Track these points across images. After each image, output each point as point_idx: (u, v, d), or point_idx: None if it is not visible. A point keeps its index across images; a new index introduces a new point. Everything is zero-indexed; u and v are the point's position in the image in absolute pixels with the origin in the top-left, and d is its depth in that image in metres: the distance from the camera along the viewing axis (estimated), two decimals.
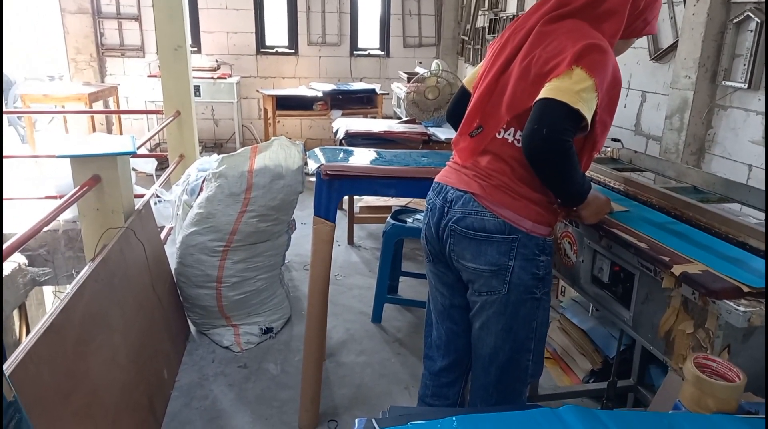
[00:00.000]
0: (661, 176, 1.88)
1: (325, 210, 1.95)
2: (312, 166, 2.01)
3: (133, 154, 2.26)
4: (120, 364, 1.90)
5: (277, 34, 6.14)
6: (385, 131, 3.80)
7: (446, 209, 1.46)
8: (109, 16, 5.71)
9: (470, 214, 1.41)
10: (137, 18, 5.74)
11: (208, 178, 2.58)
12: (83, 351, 1.62)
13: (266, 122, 5.84)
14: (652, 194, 1.59)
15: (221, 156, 2.58)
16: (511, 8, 4.78)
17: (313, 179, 1.95)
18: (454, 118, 1.70)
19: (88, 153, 2.12)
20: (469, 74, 1.69)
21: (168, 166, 4.13)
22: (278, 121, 5.53)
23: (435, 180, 1.57)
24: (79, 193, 2.08)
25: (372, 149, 2.37)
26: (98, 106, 5.63)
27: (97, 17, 5.69)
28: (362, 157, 2.16)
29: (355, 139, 3.77)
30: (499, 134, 1.41)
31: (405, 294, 3.17)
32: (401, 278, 3.20)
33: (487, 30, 5.19)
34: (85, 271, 1.77)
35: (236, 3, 5.87)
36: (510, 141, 1.39)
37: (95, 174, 2.19)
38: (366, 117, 5.80)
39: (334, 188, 1.91)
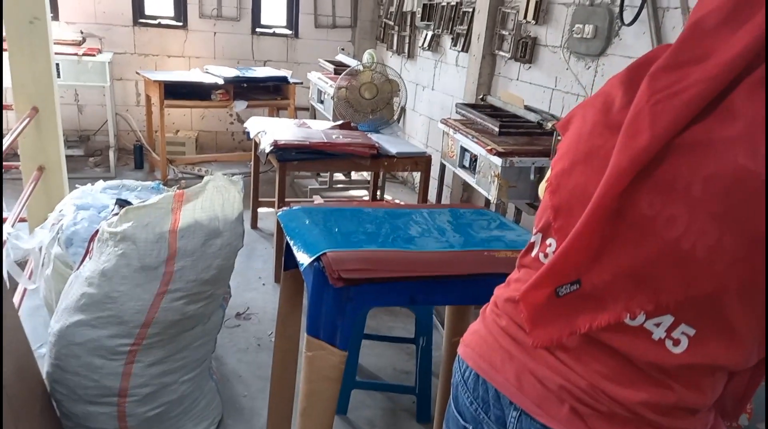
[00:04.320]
0: None
1: (329, 329, 1.20)
2: (301, 256, 1.24)
3: None
4: None
5: (160, 1, 4.99)
6: (324, 143, 3.03)
7: None
8: None
9: None
10: None
11: (102, 238, 1.68)
12: None
13: (149, 112, 4.74)
14: None
15: (124, 207, 1.69)
16: None
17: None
18: None
19: None
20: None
21: (21, 181, 3.02)
22: (166, 113, 4.47)
23: (465, 358, 0.87)
24: None
25: (358, 204, 1.65)
26: None
27: None
28: (364, 226, 1.42)
29: (287, 152, 2.97)
30: (634, 320, 0.72)
31: (368, 363, 2.48)
32: (363, 342, 2.51)
33: (420, 16, 4.53)
34: None
35: None
36: (659, 339, 0.71)
37: None
38: (275, 110, 4.94)
39: (349, 298, 1.17)
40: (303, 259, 1.24)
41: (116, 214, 1.77)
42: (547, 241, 0.80)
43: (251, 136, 3.40)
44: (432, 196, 3.80)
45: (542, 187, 0.90)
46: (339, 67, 4.17)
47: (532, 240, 0.84)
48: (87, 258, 1.77)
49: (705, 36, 0.69)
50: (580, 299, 0.73)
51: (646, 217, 0.68)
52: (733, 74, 0.66)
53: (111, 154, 4.61)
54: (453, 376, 0.91)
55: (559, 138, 0.86)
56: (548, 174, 0.84)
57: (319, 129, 3.34)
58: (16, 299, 2.34)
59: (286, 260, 1.57)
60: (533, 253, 0.83)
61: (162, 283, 1.65)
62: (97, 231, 1.75)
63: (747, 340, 0.69)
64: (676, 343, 0.70)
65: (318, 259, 1.21)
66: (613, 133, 0.73)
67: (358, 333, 2.36)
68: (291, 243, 1.32)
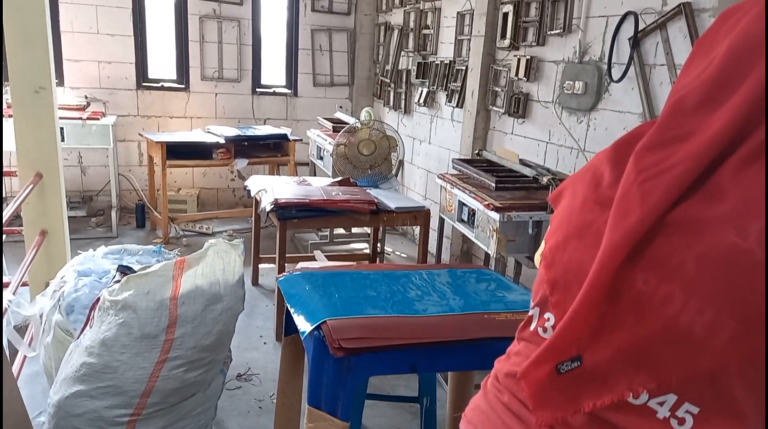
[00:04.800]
0: None
1: (330, 400, 1.20)
2: (302, 324, 1.25)
3: None
4: None
5: (163, 65, 5.15)
6: (324, 200, 3.07)
7: None
8: None
9: None
10: None
11: (103, 306, 1.69)
12: None
13: (151, 171, 4.81)
14: None
15: (125, 274, 1.71)
16: (445, 52, 4.31)
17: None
18: None
19: None
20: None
21: (23, 244, 3.04)
22: (168, 171, 4.53)
23: None
24: None
25: (357, 268, 1.67)
26: None
27: None
28: (364, 291, 1.43)
29: (288, 210, 3.01)
30: (637, 399, 0.71)
31: (372, 425, 2.43)
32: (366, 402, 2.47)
33: (415, 74, 4.66)
34: None
35: (111, 27, 4.81)
36: (664, 418, 0.70)
37: None
38: (276, 167, 5.02)
39: (350, 368, 1.17)
40: (303, 327, 1.24)
41: (117, 281, 1.78)
42: (545, 316, 0.81)
43: (252, 194, 3.45)
44: (432, 247, 3.81)
45: (537, 259, 0.91)
46: (337, 125, 4.27)
47: (530, 313, 0.85)
48: (87, 327, 1.77)
49: (687, 115, 0.72)
50: (582, 377, 0.73)
51: (642, 294, 0.69)
52: (716, 151, 0.69)
53: (113, 214, 4.65)
54: None
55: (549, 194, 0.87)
56: (542, 247, 0.86)
57: (319, 186, 3.39)
58: (15, 366, 2.32)
59: (286, 325, 1.56)
60: (532, 327, 0.83)
61: (162, 351, 1.64)
62: (98, 299, 1.76)
63: (751, 417, 0.68)
64: (681, 422, 0.69)
65: (318, 327, 1.21)
66: (603, 208, 0.75)
67: (361, 396, 2.33)
68: (291, 310, 1.33)
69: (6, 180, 4.47)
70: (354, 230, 4.78)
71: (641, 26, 2.50)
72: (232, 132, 4.68)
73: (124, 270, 1.94)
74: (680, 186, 0.69)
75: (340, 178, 3.60)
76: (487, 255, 2.96)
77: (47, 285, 2.36)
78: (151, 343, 1.63)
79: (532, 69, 3.27)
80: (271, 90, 5.49)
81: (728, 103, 0.68)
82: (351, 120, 4.14)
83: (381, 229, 4.04)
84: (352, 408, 1.74)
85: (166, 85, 5.14)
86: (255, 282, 3.85)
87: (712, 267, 0.65)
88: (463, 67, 3.97)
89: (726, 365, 0.65)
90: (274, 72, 5.51)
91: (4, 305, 2.13)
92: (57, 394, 1.71)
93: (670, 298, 0.67)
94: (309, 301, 1.33)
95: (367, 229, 4.58)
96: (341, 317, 1.24)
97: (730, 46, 0.69)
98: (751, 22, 0.69)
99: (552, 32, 3.07)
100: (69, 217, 3.31)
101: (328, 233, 4.64)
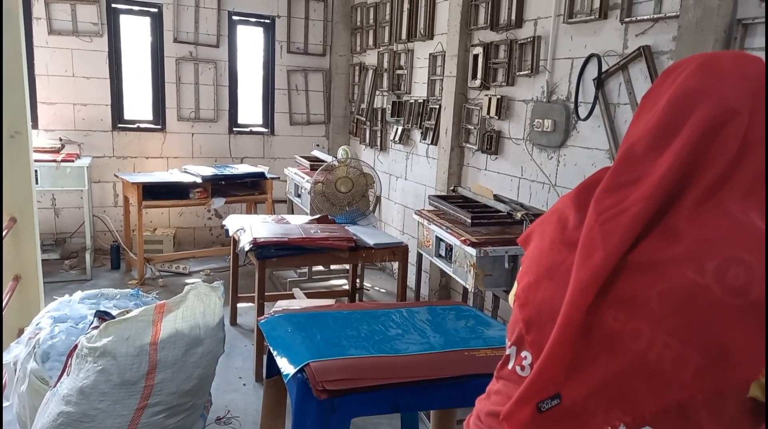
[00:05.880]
0: None
1: None
2: (285, 366, 1.26)
3: None
4: None
5: (139, 106, 5.17)
6: (303, 238, 3.09)
7: None
8: None
9: None
10: None
11: (81, 353, 1.67)
12: None
13: (126, 212, 4.78)
14: None
15: (103, 319, 1.70)
16: (418, 92, 4.43)
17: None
18: None
19: None
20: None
21: None
22: (144, 212, 4.51)
23: None
24: None
25: (338, 308, 1.69)
26: None
27: None
28: (345, 331, 1.45)
29: (266, 249, 3.01)
30: None
31: None
32: None
33: (390, 112, 4.77)
34: None
35: (86, 70, 4.83)
36: None
37: None
38: (253, 205, 5.03)
39: (333, 410, 1.18)
40: (287, 369, 1.25)
41: (96, 327, 1.77)
42: (522, 354, 0.84)
43: (230, 233, 3.45)
44: (411, 282, 3.84)
45: (511, 298, 0.95)
46: (315, 163, 4.32)
47: (507, 352, 0.88)
48: (65, 374, 1.74)
49: (637, 160, 0.78)
50: (562, 414, 0.76)
51: (613, 330, 0.73)
52: (666, 191, 0.74)
53: (87, 255, 4.58)
54: None
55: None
56: (515, 287, 0.90)
57: (297, 224, 3.41)
58: None
59: (268, 367, 1.57)
60: (510, 366, 0.87)
61: (142, 397, 1.62)
62: (75, 346, 1.74)
63: None
64: None
65: (302, 369, 1.22)
66: (570, 249, 0.79)
67: None
68: (274, 352, 1.34)
69: None
70: (333, 267, 4.78)
71: (604, 67, 2.63)
72: (209, 171, 4.70)
73: (103, 315, 1.92)
74: (638, 225, 0.74)
75: (318, 216, 3.63)
76: (465, 289, 3.00)
77: (21, 332, 2.31)
78: (130, 390, 1.62)
79: (503, 108, 3.38)
80: (248, 129, 5.54)
81: (671, 147, 0.75)
82: (328, 158, 4.20)
83: (360, 265, 4.06)
84: None
85: (142, 125, 5.16)
86: (233, 321, 3.82)
87: (674, 303, 0.69)
88: (437, 106, 4.08)
89: (693, 396, 0.69)
90: (250, 111, 5.58)
91: None
92: None
93: (638, 333, 0.71)
94: (291, 343, 1.35)
95: (346, 266, 4.59)
96: (324, 359, 1.26)
97: (671, 97, 0.77)
98: (688, 76, 0.77)
99: (520, 73, 3.19)
100: (42, 261, 3.26)
101: (306, 270, 4.63)
